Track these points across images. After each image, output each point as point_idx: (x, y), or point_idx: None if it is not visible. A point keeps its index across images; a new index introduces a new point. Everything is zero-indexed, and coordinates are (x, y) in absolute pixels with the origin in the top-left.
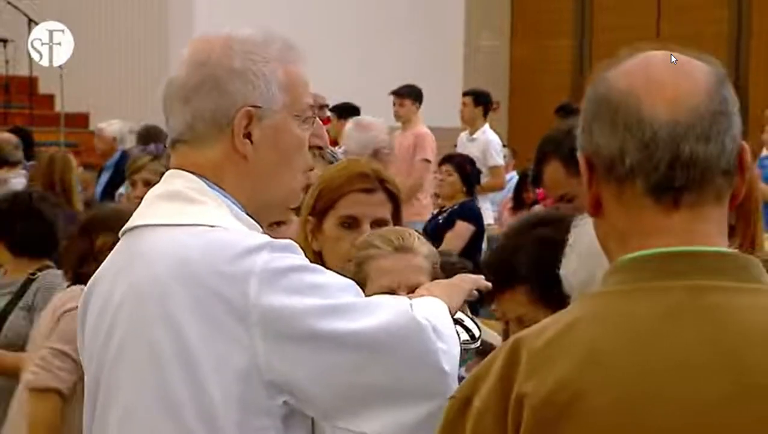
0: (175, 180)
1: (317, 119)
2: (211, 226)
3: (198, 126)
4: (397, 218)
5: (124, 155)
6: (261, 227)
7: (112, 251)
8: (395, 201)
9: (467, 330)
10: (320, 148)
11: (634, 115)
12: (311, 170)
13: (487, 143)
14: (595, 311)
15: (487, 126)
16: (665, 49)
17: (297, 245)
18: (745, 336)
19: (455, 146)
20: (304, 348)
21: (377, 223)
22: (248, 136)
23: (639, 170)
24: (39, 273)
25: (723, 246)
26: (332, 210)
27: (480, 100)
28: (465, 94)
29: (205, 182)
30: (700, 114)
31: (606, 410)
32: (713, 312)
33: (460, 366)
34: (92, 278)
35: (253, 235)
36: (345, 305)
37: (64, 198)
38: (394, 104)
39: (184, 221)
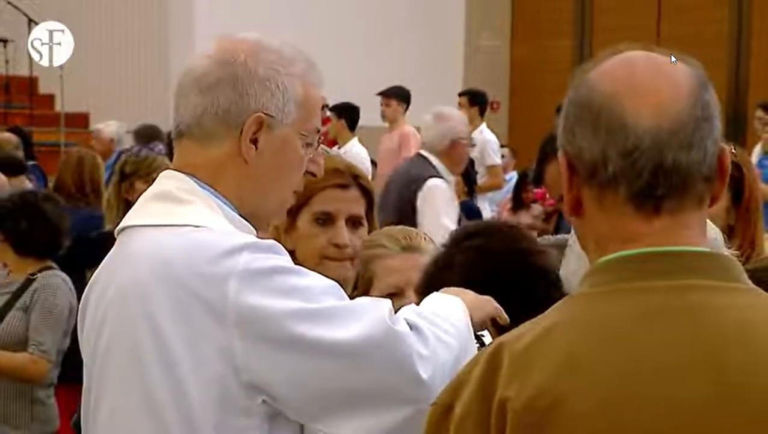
0: (166, 181)
1: (320, 148)
2: (197, 226)
3: (206, 121)
4: (370, 215)
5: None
6: (255, 230)
7: (108, 253)
8: (369, 198)
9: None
10: (313, 175)
11: (617, 120)
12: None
13: (484, 143)
14: (574, 313)
15: (484, 126)
16: (649, 50)
17: (280, 246)
18: (725, 335)
19: None
20: (281, 351)
21: (352, 219)
22: (254, 142)
23: (621, 177)
24: (39, 274)
25: (704, 247)
26: (306, 207)
27: (476, 101)
28: (461, 94)
29: (197, 182)
30: (683, 121)
31: (587, 415)
32: (693, 312)
33: None
34: (90, 280)
35: (236, 235)
36: (325, 310)
37: (94, 198)
38: (381, 104)
39: (171, 221)
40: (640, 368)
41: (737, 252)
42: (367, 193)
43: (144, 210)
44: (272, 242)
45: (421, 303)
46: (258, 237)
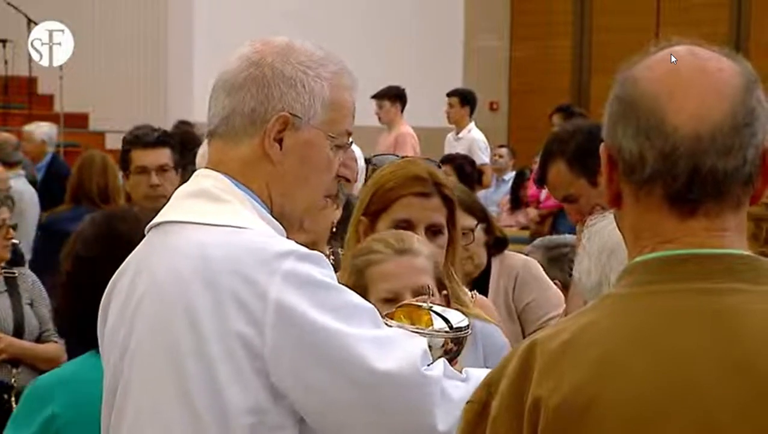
0: (203, 180)
1: (350, 151)
2: (239, 227)
3: (235, 120)
4: (452, 223)
5: (55, 157)
6: (285, 231)
7: (137, 247)
8: (450, 206)
9: (446, 320)
10: (347, 180)
11: (658, 122)
12: (330, 196)
13: (472, 141)
14: (609, 313)
15: (472, 125)
16: (695, 45)
17: (326, 260)
18: (756, 339)
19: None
20: (309, 362)
21: (431, 228)
22: (280, 141)
23: (658, 178)
24: (14, 269)
25: (740, 250)
26: (385, 213)
27: (466, 100)
28: (450, 94)
29: (233, 182)
30: (723, 129)
31: (620, 417)
32: (725, 316)
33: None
34: (116, 273)
35: (281, 240)
36: (359, 336)
37: (113, 200)
38: (375, 107)
39: (212, 220)
40: (671, 372)
41: None
42: (448, 201)
43: (181, 207)
44: (317, 253)
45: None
46: (299, 243)
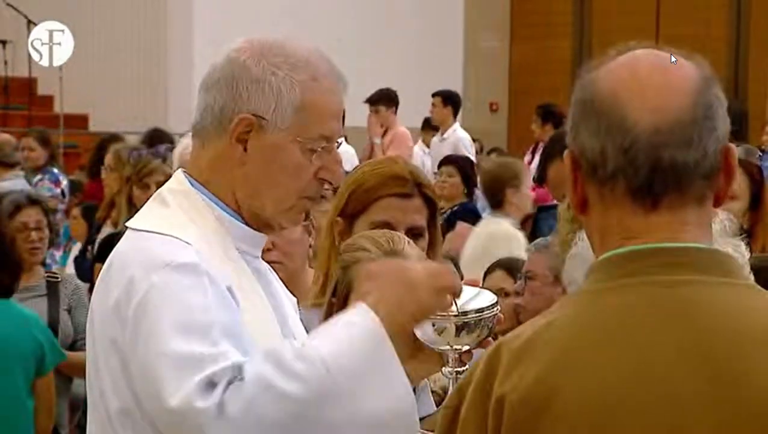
0: (169, 182)
1: (333, 154)
2: (156, 233)
3: (206, 119)
4: (433, 225)
5: None
6: (256, 229)
7: None
8: (432, 207)
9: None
10: (329, 183)
11: (617, 119)
12: (312, 198)
13: (457, 141)
14: (571, 310)
15: (457, 125)
16: (656, 49)
17: (199, 269)
18: (716, 331)
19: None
20: (135, 369)
21: (412, 231)
22: (245, 143)
23: (620, 173)
24: (57, 275)
25: (702, 243)
26: (364, 214)
27: (449, 101)
28: (434, 95)
29: (192, 183)
30: (682, 121)
31: (581, 409)
32: (685, 308)
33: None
34: None
35: (169, 250)
36: (171, 355)
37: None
38: (370, 111)
39: (143, 225)
40: (632, 361)
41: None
42: (430, 202)
43: (139, 212)
44: (194, 263)
45: (321, 328)
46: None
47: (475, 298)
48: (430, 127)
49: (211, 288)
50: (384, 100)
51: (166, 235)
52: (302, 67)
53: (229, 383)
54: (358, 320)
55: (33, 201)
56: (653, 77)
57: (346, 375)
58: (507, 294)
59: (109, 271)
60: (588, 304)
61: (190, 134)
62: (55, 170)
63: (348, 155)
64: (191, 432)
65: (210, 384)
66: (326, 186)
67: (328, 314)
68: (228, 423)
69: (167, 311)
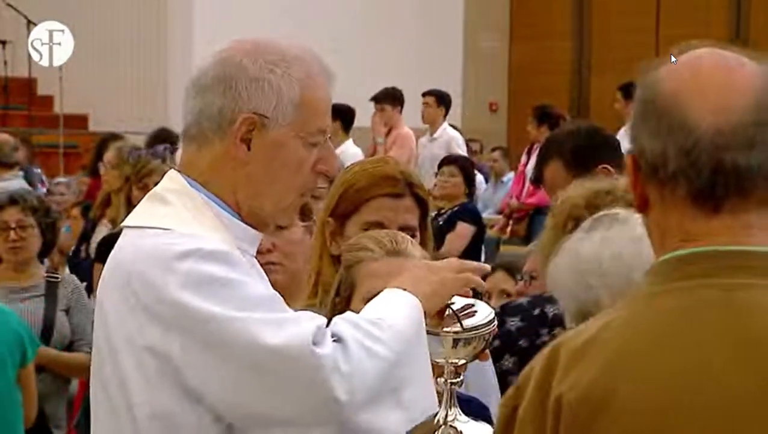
0: (163, 181)
1: (329, 146)
2: (164, 229)
3: (203, 122)
4: (423, 225)
5: None
6: (256, 229)
7: None
8: (423, 207)
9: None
10: (326, 175)
11: (678, 121)
12: (312, 194)
13: (449, 140)
14: (629, 312)
15: (446, 124)
16: (719, 48)
17: (230, 254)
18: None
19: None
20: (209, 356)
21: (404, 231)
22: (248, 142)
23: (681, 175)
24: (57, 275)
25: (765, 247)
26: (356, 215)
27: (441, 101)
28: (426, 94)
29: (191, 184)
30: (745, 124)
31: (637, 411)
32: (742, 312)
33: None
34: None
35: (189, 240)
36: (250, 320)
37: None
38: (375, 110)
39: (146, 223)
40: (686, 368)
41: None
42: (421, 202)
43: (135, 211)
44: (223, 250)
45: (368, 305)
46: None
47: (473, 309)
48: None
49: (248, 268)
50: (389, 99)
51: (175, 231)
52: (298, 64)
53: (333, 340)
54: (404, 298)
55: (13, 201)
56: (715, 78)
57: (408, 341)
58: (509, 295)
59: (121, 272)
60: (644, 306)
61: None
62: (37, 170)
63: (356, 158)
64: (305, 373)
65: (320, 333)
66: (321, 181)
67: (332, 314)
68: (342, 378)
69: (226, 295)
